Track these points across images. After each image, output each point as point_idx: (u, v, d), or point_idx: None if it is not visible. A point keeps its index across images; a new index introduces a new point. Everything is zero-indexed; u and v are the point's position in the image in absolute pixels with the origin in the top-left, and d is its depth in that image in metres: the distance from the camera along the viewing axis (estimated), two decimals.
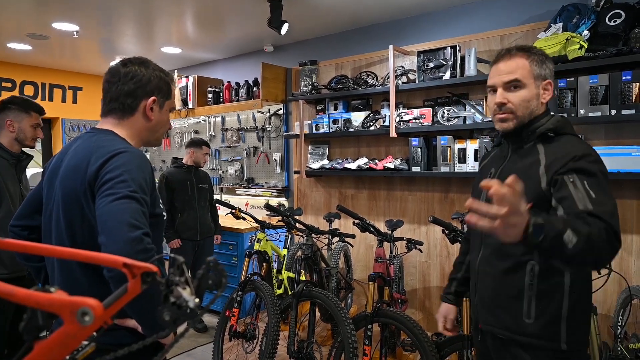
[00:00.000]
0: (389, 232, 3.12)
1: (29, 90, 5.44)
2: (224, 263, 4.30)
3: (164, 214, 1.38)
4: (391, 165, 3.51)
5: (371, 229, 2.53)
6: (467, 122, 3.26)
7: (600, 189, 1.19)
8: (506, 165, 1.45)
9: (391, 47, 3.44)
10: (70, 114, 5.83)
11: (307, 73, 4.23)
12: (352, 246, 3.80)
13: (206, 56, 5.07)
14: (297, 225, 2.95)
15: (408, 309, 3.65)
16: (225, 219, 4.28)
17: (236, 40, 4.47)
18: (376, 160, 3.71)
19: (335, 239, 3.07)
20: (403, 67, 3.63)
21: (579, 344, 1.35)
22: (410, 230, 3.70)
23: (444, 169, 3.29)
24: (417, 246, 2.80)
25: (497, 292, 1.41)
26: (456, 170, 3.26)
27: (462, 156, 3.24)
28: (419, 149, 3.40)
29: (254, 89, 4.46)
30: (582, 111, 2.67)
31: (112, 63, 1.40)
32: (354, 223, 2.58)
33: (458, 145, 3.26)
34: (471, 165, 3.19)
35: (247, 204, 4.90)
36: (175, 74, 5.00)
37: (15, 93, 5.33)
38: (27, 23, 3.82)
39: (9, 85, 5.28)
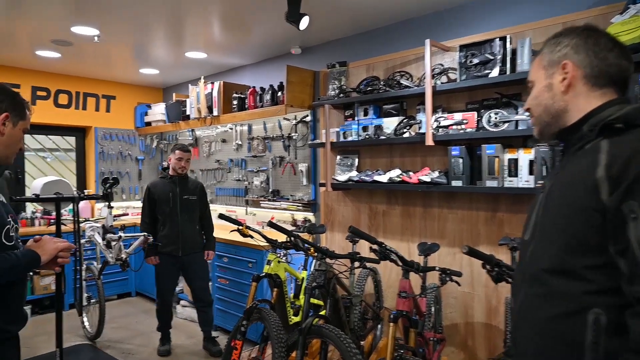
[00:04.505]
0: (422, 257, 2.62)
1: (63, 99, 5.43)
2: (241, 282, 3.94)
3: None
4: (427, 179, 3.01)
5: (392, 257, 2.06)
6: (519, 128, 2.71)
7: None
8: (559, 176, 1.09)
9: (427, 42, 2.97)
10: (104, 123, 5.78)
11: (335, 75, 3.83)
12: (375, 272, 3.29)
13: (232, 61, 4.81)
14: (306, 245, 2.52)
15: (447, 347, 3.10)
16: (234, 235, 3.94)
17: (263, 43, 4.17)
18: (410, 173, 3.23)
19: (357, 263, 2.61)
20: (442, 65, 3.14)
21: None
22: (449, 255, 3.16)
23: (491, 183, 2.75)
24: (455, 278, 2.27)
25: (542, 348, 1.00)
26: (505, 185, 2.71)
27: (513, 168, 2.68)
28: (460, 160, 2.88)
29: (279, 93, 4.12)
30: None
31: None
32: (371, 249, 2.12)
33: (508, 156, 2.72)
34: (525, 180, 2.63)
35: (272, 218, 4.54)
36: (202, 80, 4.78)
37: (50, 102, 5.33)
38: (49, 28, 3.72)
39: (44, 94, 5.29)
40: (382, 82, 3.37)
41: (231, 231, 2.90)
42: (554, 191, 1.05)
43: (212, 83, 4.68)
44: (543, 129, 1.15)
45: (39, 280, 4.78)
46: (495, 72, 2.76)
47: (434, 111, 3.07)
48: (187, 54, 4.51)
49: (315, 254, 2.50)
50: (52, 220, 3.40)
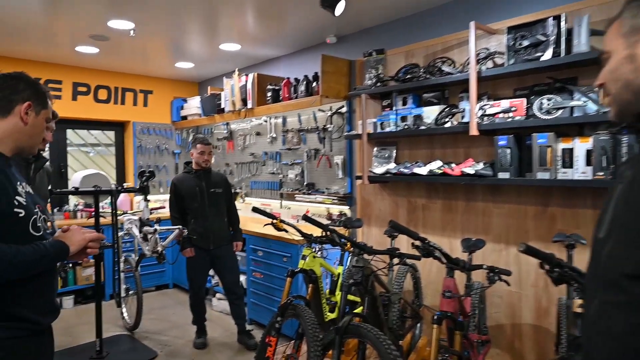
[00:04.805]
0: (467, 254, 2.46)
1: (102, 95, 5.53)
2: (276, 276, 3.89)
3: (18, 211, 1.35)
4: (471, 171, 2.83)
5: (436, 254, 1.91)
6: (574, 115, 2.49)
7: None
8: None
9: (472, 24, 2.77)
10: (141, 117, 5.86)
11: (372, 64, 3.68)
12: (414, 269, 3.14)
13: (267, 53, 4.74)
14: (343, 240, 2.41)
15: (492, 349, 2.92)
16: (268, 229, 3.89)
17: (297, 33, 4.07)
18: (452, 165, 3.05)
19: (396, 259, 2.47)
20: (487, 49, 2.94)
21: None
22: (494, 252, 2.97)
23: (542, 175, 2.54)
24: (504, 277, 2.10)
25: None
26: (559, 177, 2.50)
27: (567, 159, 2.47)
28: (508, 150, 2.69)
29: (314, 84, 4.01)
30: None
31: None
32: (413, 245, 1.98)
33: (562, 145, 2.50)
34: (581, 171, 2.41)
35: (307, 212, 4.45)
36: (236, 73, 4.74)
37: (90, 97, 5.45)
38: (86, 23, 3.76)
39: (85, 89, 5.41)
40: (422, 69, 3.20)
41: (265, 225, 2.83)
42: (638, 181, 0.89)
43: (247, 75, 4.63)
44: (623, 109, 0.96)
45: (81, 271, 4.91)
46: (547, 55, 2.54)
47: (479, 99, 2.87)
48: (222, 46, 4.47)
49: (352, 249, 2.38)
50: (93, 213, 3.46)
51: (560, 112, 2.52)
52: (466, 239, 2.53)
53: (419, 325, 3.20)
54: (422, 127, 3.16)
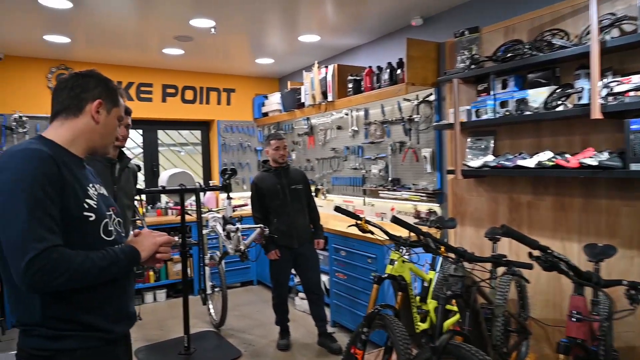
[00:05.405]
0: (593, 264, 2.03)
1: (189, 95, 5.70)
2: (360, 278, 3.66)
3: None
4: (592, 162, 2.36)
5: (563, 268, 1.54)
6: None
7: None
8: None
9: None
10: (225, 116, 5.96)
11: (464, 45, 3.28)
12: (519, 276, 2.71)
13: (347, 42, 4.52)
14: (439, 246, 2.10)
15: None
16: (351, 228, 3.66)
17: (379, 18, 3.79)
18: (566, 155, 2.59)
19: (501, 268, 2.12)
20: (613, 14, 2.43)
21: None
22: (623, 259, 2.46)
23: None
24: None
25: None
26: None
27: None
28: None
29: (398, 71, 3.70)
30: None
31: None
32: (530, 255, 1.63)
33: None
34: None
35: (392, 209, 4.17)
36: (315, 65, 4.57)
37: (178, 98, 5.64)
38: (171, 24, 3.82)
39: (173, 91, 5.61)
40: (526, 46, 2.76)
41: (349, 226, 2.61)
42: None
43: (326, 67, 4.45)
44: None
45: (172, 266, 5.10)
46: None
47: (602, 75, 2.38)
48: (301, 38, 4.34)
49: (448, 254, 2.08)
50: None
51: None
52: (591, 245, 2.10)
53: (525, 342, 2.78)
54: (527, 113, 2.72)
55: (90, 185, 1.37)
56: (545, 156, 2.65)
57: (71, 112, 1.37)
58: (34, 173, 1.19)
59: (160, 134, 5.89)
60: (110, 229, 1.36)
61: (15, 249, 1.15)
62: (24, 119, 4.48)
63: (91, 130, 1.39)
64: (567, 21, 2.73)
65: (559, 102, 2.59)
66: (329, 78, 4.39)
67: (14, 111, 4.50)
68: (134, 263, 1.35)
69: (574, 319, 1.61)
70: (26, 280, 1.14)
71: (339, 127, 4.88)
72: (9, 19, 3.56)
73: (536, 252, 1.57)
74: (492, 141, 3.20)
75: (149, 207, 5.38)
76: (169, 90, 5.58)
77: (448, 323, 2.72)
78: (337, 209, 2.61)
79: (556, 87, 2.66)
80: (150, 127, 5.76)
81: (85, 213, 1.29)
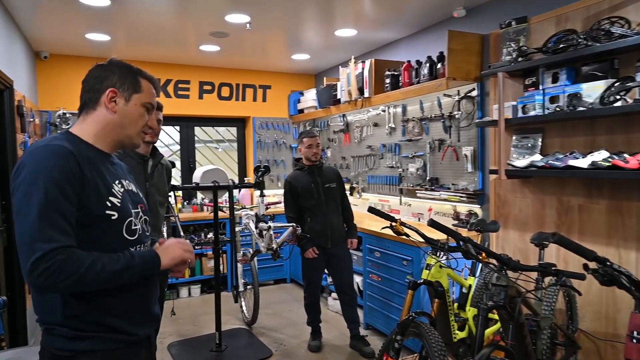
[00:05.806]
0: None
1: (225, 92, 5.72)
2: (394, 280, 3.53)
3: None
4: None
5: (624, 283, 1.37)
6: None
7: None
8: None
9: None
10: (260, 112, 5.95)
11: (511, 36, 3.08)
12: (579, 294, 2.49)
13: (384, 36, 4.37)
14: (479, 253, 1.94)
15: None
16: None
17: (419, 10, 3.63)
18: (625, 155, 2.36)
19: (549, 278, 1.94)
20: None
21: None
22: None
23: None
24: None
25: None
26: None
27: None
28: None
29: (438, 65, 3.53)
30: None
31: None
32: (586, 267, 1.46)
33: None
34: None
35: (430, 210, 4.01)
36: (352, 60, 4.45)
37: (214, 95, 5.67)
38: (207, 20, 3.81)
39: (209, 88, 5.64)
40: (581, 35, 2.53)
41: (383, 227, 2.49)
42: None
43: (363, 62, 4.32)
44: None
45: (207, 262, 5.13)
46: None
47: None
48: (337, 33, 4.23)
49: (490, 261, 1.92)
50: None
51: None
52: None
53: (574, 356, 2.57)
54: (581, 109, 2.50)
55: (117, 181, 1.33)
56: (600, 156, 2.43)
57: (90, 106, 1.33)
58: (51, 171, 1.15)
59: (197, 130, 5.94)
60: (134, 228, 1.32)
61: (24, 248, 1.12)
62: (67, 115, 4.62)
63: (110, 122, 1.33)
64: (629, 8, 2.48)
65: (618, 97, 2.36)
66: (366, 73, 4.26)
67: (57, 108, 4.64)
68: (152, 269, 1.30)
69: (635, 340, 1.43)
70: (31, 280, 1.11)
71: (375, 124, 4.75)
72: (53, 19, 3.66)
73: (592, 264, 1.40)
74: (540, 139, 2.98)
75: (184, 203, 5.45)
76: (206, 87, 5.61)
77: (488, 332, 2.56)
78: (371, 209, 2.49)
79: (614, 80, 2.43)
80: (187, 123, 5.83)
81: (108, 212, 1.25)
